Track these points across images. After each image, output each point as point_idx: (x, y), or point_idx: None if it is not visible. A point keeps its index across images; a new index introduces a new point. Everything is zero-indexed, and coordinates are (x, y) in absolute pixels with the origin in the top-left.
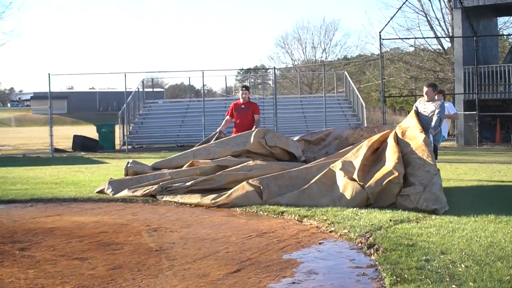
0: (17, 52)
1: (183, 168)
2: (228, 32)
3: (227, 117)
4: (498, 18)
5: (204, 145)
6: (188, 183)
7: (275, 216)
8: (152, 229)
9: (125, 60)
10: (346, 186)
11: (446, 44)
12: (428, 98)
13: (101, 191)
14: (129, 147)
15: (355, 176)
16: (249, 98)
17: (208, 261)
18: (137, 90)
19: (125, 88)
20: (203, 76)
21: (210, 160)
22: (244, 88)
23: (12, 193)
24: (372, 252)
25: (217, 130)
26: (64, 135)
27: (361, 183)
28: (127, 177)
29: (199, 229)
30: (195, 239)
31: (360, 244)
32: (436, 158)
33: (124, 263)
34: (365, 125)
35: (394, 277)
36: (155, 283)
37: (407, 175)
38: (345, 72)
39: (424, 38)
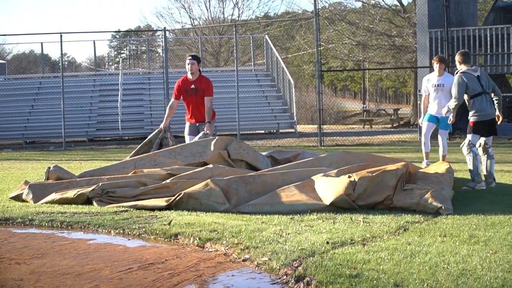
0: None
1: (126, 175)
2: None
3: (173, 100)
4: None
5: (148, 154)
6: (137, 191)
7: (166, 240)
8: None
9: None
10: (329, 183)
11: None
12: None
13: (17, 197)
14: None
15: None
16: (200, 72)
17: None
18: None
19: None
20: (61, 41)
21: (158, 168)
22: (190, 58)
23: None
24: (302, 287)
25: (161, 126)
26: None
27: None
28: (51, 181)
29: (58, 259)
30: (51, 274)
31: (285, 277)
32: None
33: None
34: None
35: None
36: None
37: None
38: (266, 37)
39: None
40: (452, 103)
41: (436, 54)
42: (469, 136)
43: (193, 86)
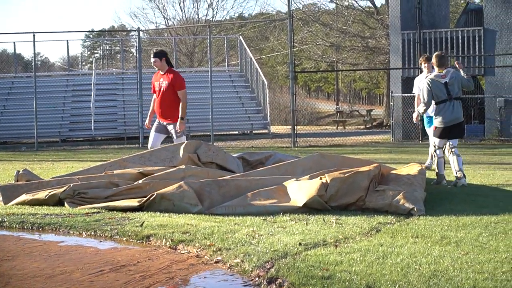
0: None
1: (98, 175)
2: None
3: (154, 95)
4: None
5: (117, 160)
6: (109, 192)
7: (138, 242)
8: None
9: None
10: (302, 186)
11: (379, 0)
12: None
13: None
14: None
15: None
16: (170, 66)
17: None
18: None
19: None
20: (34, 41)
21: (130, 168)
22: (152, 56)
23: None
24: None
25: (146, 123)
26: None
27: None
28: (21, 182)
29: (28, 262)
30: (21, 276)
31: (257, 279)
32: None
33: None
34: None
35: None
36: None
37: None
38: (240, 37)
39: None
40: (421, 108)
41: (409, 55)
42: (434, 139)
43: (161, 79)
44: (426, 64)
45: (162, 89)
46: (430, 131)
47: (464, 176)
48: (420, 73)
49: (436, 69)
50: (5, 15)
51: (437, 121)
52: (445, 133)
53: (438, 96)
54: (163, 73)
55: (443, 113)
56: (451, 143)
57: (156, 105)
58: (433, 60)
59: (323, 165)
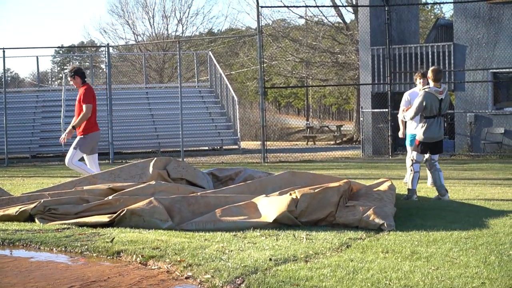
0: None
1: (68, 190)
2: None
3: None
4: None
5: (86, 176)
6: (79, 208)
7: (108, 257)
8: None
9: None
10: (272, 202)
11: (349, 15)
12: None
13: None
14: None
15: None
16: (83, 83)
17: None
18: None
19: None
20: (4, 57)
21: (99, 184)
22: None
23: None
24: None
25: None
26: None
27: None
28: None
29: (0, 277)
30: None
31: None
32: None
33: None
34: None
35: None
36: None
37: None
38: (210, 53)
39: (318, 6)
40: (408, 116)
41: (378, 71)
42: (413, 154)
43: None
44: (421, 80)
45: (76, 103)
46: (410, 149)
47: (447, 191)
48: (410, 88)
49: (432, 83)
50: None
51: (421, 136)
52: (426, 149)
53: (431, 110)
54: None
55: (429, 129)
56: (433, 158)
57: None
58: (430, 75)
59: (293, 183)
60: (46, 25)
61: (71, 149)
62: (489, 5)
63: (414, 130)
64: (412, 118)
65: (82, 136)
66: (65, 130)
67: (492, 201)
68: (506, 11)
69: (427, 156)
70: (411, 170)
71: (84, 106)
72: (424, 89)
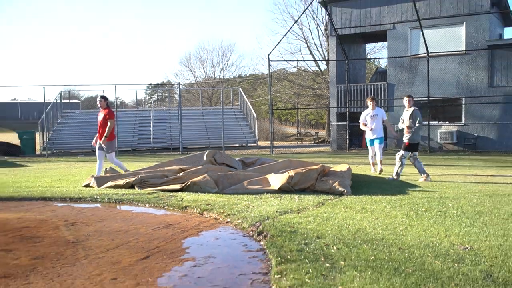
0: None
1: (155, 170)
2: (139, 51)
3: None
4: (366, 44)
5: (166, 161)
6: (162, 180)
7: (179, 210)
8: (70, 223)
9: (44, 73)
10: (277, 177)
11: (323, 66)
12: (408, 106)
13: (87, 185)
14: (49, 152)
15: (285, 173)
16: (107, 105)
17: (120, 250)
18: (55, 101)
19: (44, 100)
20: (115, 90)
21: (175, 166)
22: (99, 97)
23: None
24: (261, 238)
25: (92, 142)
26: None
27: (290, 174)
28: (108, 174)
29: (112, 223)
30: (108, 231)
31: (251, 232)
32: (416, 150)
33: (45, 253)
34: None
35: (279, 258)
36: (73, 270)
37: (328, 177)
38: (240, 88)
39: (305, 60)
40: (415, 126)
41: (341, 99)
42: (403, 151)
43: (100, 114)
44: (372, 102)
45: (100, 119)
46: (380, 146)
47: (428, 174)
48: (362, 110)
49: (408, 105)
50: (95, 71)
51: (411, 139)
52: (413, 148)
53: (420, 122)
54: (102, 109)
55: (416, 134)
56: (415, 154)
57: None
58: (409, 99)
59: (290, 166)
60: (142, 70)
61: (107, 154)
62: (410, 59)
63: (408, 130)
64: (417, 127)
65: (108, 142)
66: (152, 136)
67: (410, 177)
68: (420, 62)
69: (410, 153)
70: (402, 163)
71: (109, 121)
72: (414, 109)
